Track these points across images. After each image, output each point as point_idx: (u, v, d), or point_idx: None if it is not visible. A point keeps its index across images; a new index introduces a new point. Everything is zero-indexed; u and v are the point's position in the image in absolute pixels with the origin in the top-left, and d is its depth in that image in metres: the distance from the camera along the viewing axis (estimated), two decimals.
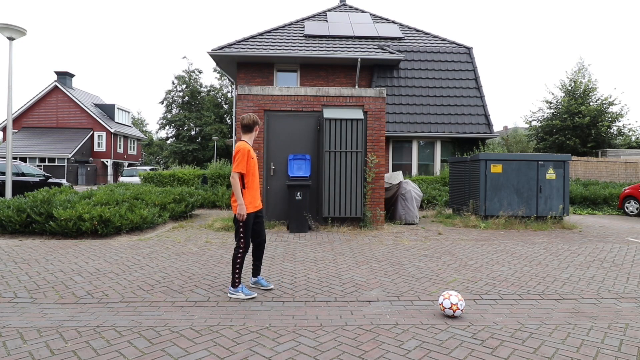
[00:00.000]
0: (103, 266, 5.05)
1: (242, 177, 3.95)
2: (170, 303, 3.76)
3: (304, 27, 17.58)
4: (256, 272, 4.30)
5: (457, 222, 9.04)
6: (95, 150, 34.72)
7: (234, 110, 21.45)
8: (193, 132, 42.01)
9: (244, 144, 3.96)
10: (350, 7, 20.18)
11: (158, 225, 8.44)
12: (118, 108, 38.14)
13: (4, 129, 33.65)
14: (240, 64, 15.59)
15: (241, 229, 3.92)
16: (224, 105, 42.46)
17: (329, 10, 19.57)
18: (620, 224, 9.82)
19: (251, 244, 4.15)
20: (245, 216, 3.86)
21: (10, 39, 9.29)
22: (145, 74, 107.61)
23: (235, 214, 3.92)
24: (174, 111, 42.70)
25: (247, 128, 4.06)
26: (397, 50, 16.06)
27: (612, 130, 23.99)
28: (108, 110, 37.50)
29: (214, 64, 16.25)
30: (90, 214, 6.94)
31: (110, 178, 35.26)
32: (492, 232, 8.05)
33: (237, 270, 3.92)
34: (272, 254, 5.81)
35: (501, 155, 9.14)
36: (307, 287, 4.28)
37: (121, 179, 24.64)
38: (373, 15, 19.29)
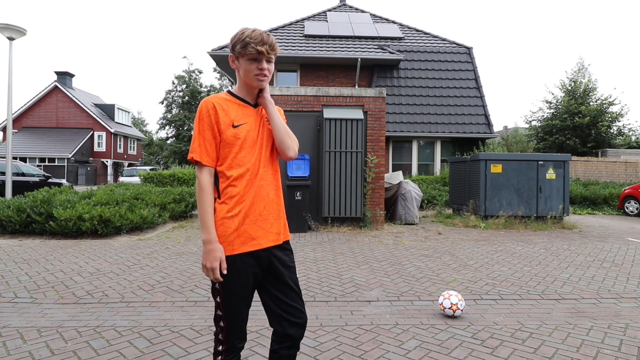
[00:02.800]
0: (103, 266, 5.05)
1: (214, 174, 1.73)
2: (170, 303, 3.75)
3: (304, 27, 17.57)
4: None
5: (457, 222, 9.04)
6: (95, 150, 34.71)
7: None
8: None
9: (206, 98, 1.74)
10: (350, 7, 20.18)
11: (158, 225, 8.44)
12: (118, 108, 38.13)
13: (4, 129, 33.64)
14: None
15: (218, 300, 1.71)
16: None
17: (329, 10, 19.57)
18: (620, 224, 9.82)
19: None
20: (217, 271, 1.62)
21: (10, 39, 9.30)
22: (145, 74, 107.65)
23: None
24: (174, 111, 42.71)
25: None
26: (397, 50, 16.05)
27: (612, 130, 23.97)
28: (108, 110, 37.50)
29: (214, 64, 16.25)
30: (90, 214, 6.94)
31: (110, 178, 35.25)
32: (492, 232, 8.05)
33: None
34: None
35: (501, 155, 9.14)
36: (307, 287, 4.28)
37: (121, 179, 24.64)
38: (373, 15, 19.29)
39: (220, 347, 1.73)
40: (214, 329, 3.15)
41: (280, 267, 1.77)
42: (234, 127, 1.72)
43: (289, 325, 1.76)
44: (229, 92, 1.81)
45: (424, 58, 16.32)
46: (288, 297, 1.77)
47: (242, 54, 1.70)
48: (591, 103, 23.88)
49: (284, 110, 8.37)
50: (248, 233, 1.69)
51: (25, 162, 29.72)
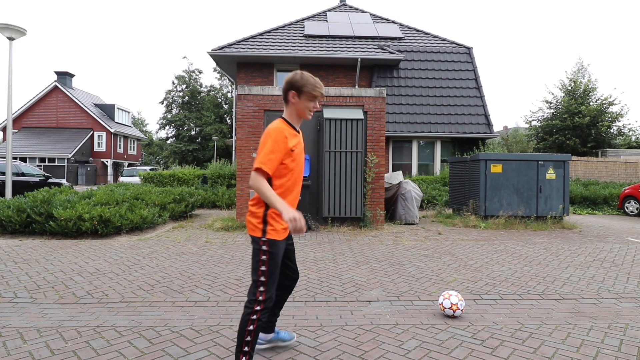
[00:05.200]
0: (103, 266, 5.05)
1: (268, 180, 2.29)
2: (170, 303, 3.75)
3: (304, 27, 17.57)
4: (271, 327, 2.73)
5: (457, 222, 9.04)
6: (95, 150, 34.72)
7: (234, 110, 21.45)
8: (193, 132, 42.01)
9: (278, 125, 2.29)
10: (350, 7, 20.18)
11: (158, 225, 8.44)
12: (118, 108, 38.14)
13: (4, 129, 33.65)
14: (240, 64, 15.58)
15: (263, 269, 2.24)
16: (224, 105, 42.45)
17: (329, 10, 19.57)
18: (620, 224, 9.82)
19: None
20: (302, 220, 2.08)
21: (10, 39, 9.29)
22: (145, 74, 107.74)
23: (253, 238, 2.29)
24: (174, 111, 42.70)
25: (285, 95, 2.39)
26: (397, 50, 16.05)
27: (612, 130, 24.00)
28: (108, 110, 37.51)
29: (214, 64, 16.26)
30: (90, 214, 6.93)
31: (110, 178, 35.25)
32: (492, 232, 8.05)
33: (245, 348, 2.23)
34: None
35: (501, 155, 9.14)
36: (307, 287, 4.28)
37: (121, 179, 24.64)
38: (373, 15, 19.29)
39: (257, 307, 2.24)
40: (214, 328, 3.16)
41: (291, 244, 2.59)
42: (292, 151, 2.32)
43: (286, 279, 2.63)
44: (285, 120, 2.37)
45: (424, 58, 16.31)
46: (290, 259, 2.60)
47: (308, 94, 2.32)
48: (591, 103, 23.89)
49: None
50: (288, 228, 2.35)
51: (25, 162, 29.73)
